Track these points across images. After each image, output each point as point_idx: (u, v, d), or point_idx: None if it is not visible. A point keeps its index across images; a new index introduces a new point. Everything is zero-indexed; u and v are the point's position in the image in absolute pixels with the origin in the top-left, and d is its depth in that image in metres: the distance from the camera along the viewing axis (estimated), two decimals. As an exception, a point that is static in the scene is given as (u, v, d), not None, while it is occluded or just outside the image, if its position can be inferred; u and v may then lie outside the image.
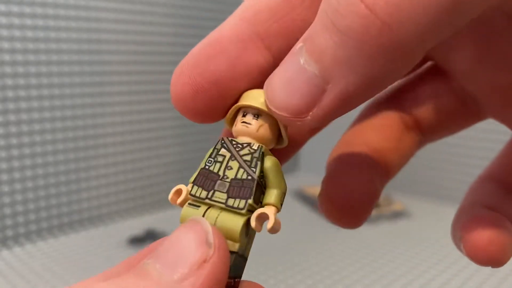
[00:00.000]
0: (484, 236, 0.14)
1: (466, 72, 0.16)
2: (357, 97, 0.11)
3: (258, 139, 0.14)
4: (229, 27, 0.14)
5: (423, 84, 0.17)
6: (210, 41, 0.14)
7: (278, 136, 0.14)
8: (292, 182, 0.95)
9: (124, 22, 0.76)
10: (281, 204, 0.13)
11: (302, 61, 0.11)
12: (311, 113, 0.11)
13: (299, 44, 0.11)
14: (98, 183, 0.77)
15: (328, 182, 0.16)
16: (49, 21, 0.68)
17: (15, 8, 0.65)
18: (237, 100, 0.14)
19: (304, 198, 0.87)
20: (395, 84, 0.18)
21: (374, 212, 0.76)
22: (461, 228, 0.14)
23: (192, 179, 0.14)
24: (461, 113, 0.17)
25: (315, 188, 0.89)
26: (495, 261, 0.14)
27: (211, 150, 0.14)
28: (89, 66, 0.73)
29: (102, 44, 0.74)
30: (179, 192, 0.14)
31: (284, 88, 0.11)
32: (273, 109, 0.12)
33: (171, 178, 0.87)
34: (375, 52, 0.10)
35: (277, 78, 0.12)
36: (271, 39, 0.14)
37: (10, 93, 0.66)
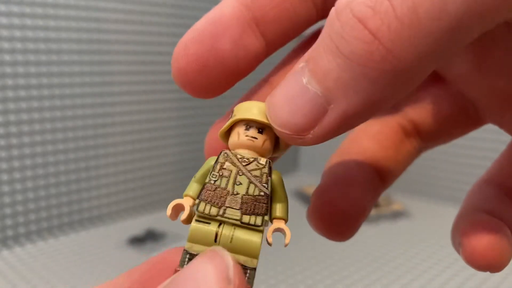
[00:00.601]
0: (482, 242, 0.14)
1: (464, 77, 0.16)
2: (358, 118, 0.11)
3: (261, 153, 0.14)
4: (229, 8, 0.14)
5: (422, 90, 0.17)
6: (212, 19, 0.14)
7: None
8: (292, 182, 0.95)
9: (124, 22, 0.76)
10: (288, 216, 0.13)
11: (304, 80, 0.11)
12: (312, 131, 0.12)
13: (300, 64, 0.12)
14: (98, 183, 0.77)
15: (318, 196, 0.16)
16: (50, 21, 0.68)
17: (15, 8, 0.65)
18: (224, 86, 0.14)
19: (304, 198, 0.87)
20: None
21: (374, 212, 0.76)
22: (460, 233, 0.14)
23: (190, 192, 0.13)
24: (461, 119, 0.17)
25: (315, 188, 0.89)
26: (493, 267, 0.14)
27: (211, 163, 0.14)
28: (89, 66, 0.73)
29: (102, 44, 0.74)
30: (178, 207, 0.13)
31: (286, 107, 0.12)
32: (276, 127, 0.12)
33: (171, 178, 0.87)
34: (378, 77, 0.10)
35: (279, 96, 0.12)
36: (266, 26, 0.14)
37: (10, 93, 0.66)
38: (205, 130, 0.80)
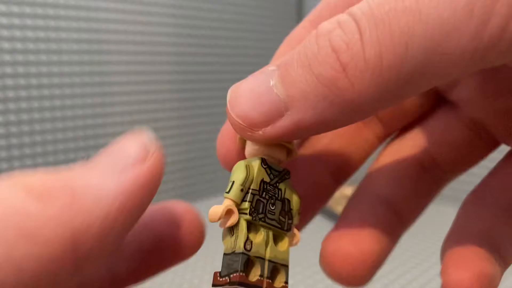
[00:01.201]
0: (465, 277, 0.14)
1: (470, 100, 0.16)
2: (307, 130, 0.12)
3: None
4: None
5: (432, 120, 0.17)
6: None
7: (287, 148, 0.14)
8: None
9: (124, 22, 0.77)
10: (228, 191, 0.13)
11: (272, 82, 0.12)
12: (263, 129, 0.13)
13: (272, 67, 0.13)
14: (98, 183, 0.77)
15: (329, 243, 0.16)
16: (50, 22, 0.68)
17: (15, 9, 0.65)
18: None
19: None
20: (403, 121, 0.18)
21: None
22: (445, 264, 0.14)
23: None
24: (475, 144, 0.17)
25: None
26: None
27: None
28: (89, 66, 0.73)
29: (102, 44, 0.74)
30: None
31: (248, 100, 0.13)
32: (232, 114, 0.13)
33: (171, 178, 0.87)
34: (337, 102, 0.12)
35: (245, 89, 0.13)
36: None
37: (10, 94, 0.66)
38: (205, 130, 0.80)
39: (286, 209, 0.14)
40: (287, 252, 0.14)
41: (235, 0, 0.92)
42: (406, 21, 0.11)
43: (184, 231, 0.15)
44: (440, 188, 0.17)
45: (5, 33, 0.64)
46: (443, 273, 0.14)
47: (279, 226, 0.14)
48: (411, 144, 0.17)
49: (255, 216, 0.13)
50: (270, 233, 0.14)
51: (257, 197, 0.13)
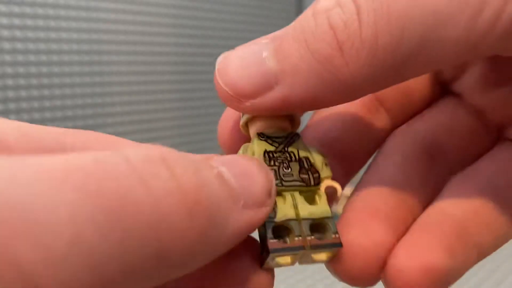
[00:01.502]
0: (413, 269, 0.12)
1: (473, 88, 0.16)
2: (295, 105, 0.12)
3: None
4: None
5: (438, 109, 0.17)
6: None
7: (288, 119, 0.14)
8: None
9: (124, 22, 0.77)
10: None
11: (264, 54, 0.12)
12: (252, 101, 0.12)
13: (265, 39, 0.12)
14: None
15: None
16: (50, 22, 0.68)
17: (16, 9, 0.65)
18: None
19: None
20: (410, 113, 0.17)
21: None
22: (401, 242, 0.13)
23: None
24: (481, 133, 0.16)
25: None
26: None
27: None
28: (90, 67, 0.73)
29: (102, 44, 0.74)
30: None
31: (238, 69, 0.12)
32: (220, 82, 0.13)
33: (172, 178, 0.87)
34: (329, 80, 0.11)
35: (235, 58, 0.13)
36: None
37: (11, 94, 0.66)
38: (204, 130, 0.80)
39: (306, 167, 0.14)
40: (324, 205, 0.13)
41: (235, 0, 0.92)
42: (404, 5, 0.11)
43: None
44: (446, 182, 0.16)
45: (5, 33, 0.64)
46: (393, 253, 0.13)
47: (303, 183, 0.13)
48: (418, 131, 0.16)
49: None
50: (296, 194, 0.13)
51: None
